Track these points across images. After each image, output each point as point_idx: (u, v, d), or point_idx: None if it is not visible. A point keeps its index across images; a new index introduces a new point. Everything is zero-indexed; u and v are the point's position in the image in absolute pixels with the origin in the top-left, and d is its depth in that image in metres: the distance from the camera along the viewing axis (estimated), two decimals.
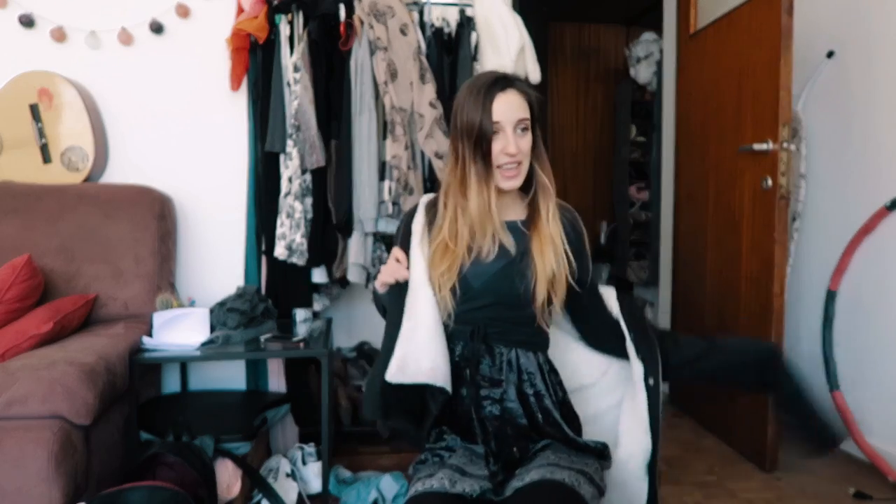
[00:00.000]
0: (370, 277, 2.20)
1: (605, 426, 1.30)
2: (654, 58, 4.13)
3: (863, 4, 2.23)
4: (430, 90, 2.11)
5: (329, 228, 2.11)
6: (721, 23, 2.45)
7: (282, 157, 2.09)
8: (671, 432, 2.52)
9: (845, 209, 2.27)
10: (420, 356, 1.14)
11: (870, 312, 2.18)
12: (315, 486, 1.92)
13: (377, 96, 2.08)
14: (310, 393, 2.25)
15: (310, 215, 2.07)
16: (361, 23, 2.06)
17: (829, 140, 2.38)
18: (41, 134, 2.14)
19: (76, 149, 2.16)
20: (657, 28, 3.64)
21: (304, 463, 1.96)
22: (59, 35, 2.21)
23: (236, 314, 1.85)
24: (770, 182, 2.11)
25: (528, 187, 1.25)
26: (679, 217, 2.87)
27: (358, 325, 2.46)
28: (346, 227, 2.10)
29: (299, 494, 1.82)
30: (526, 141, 1.19)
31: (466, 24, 2.22)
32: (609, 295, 1.33)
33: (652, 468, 1.21)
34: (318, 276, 2.14)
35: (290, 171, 2.03)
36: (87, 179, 2.18)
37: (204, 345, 1.77)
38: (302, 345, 1.80)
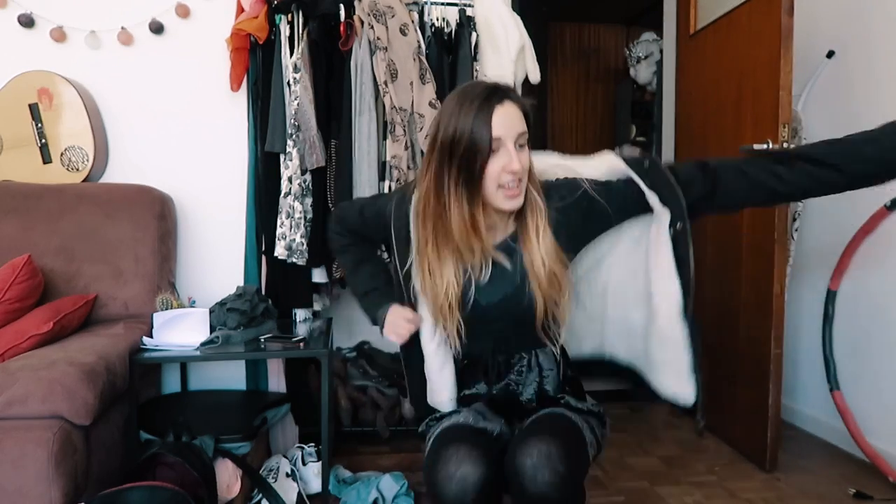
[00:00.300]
0: None
1: (632, 286, 1.25)
2: (654, 58, 4.13)
3: (863, 4, 2.23)
4: (430, 90, 2.11)
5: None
6: (721, 23, 2.45)
7: (282, 157, 2.08)
8: (671, 432, 2.52)
9: (845, 209, 2.27)
10: (438, 392, 1.27)
11: (870, 312, 2.18)
12: (315, 486, 1.92)
13: (377, 96, 2.08)
14: (310, 393, 2.25)
15: (310, 215, 2.07)
16: (361, 23, 2.06)
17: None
18: (41, 134, 2.14)
19: (76, 149, 2.16)
20: (657, 28, 3.64)
21: (304, 463, 1.96)
22: (59, 35, 2.21)
23: (236, 314, 1.85)
24: None
25: None
26: None
27: (358, 325, 2.46)
28: None
29: (299, 494, 1.82)
30: (525, 156, 1.11)
31: (466, 24, 2.22)
32: (607, 160, 1.21)
33: (687, 315, 1.16)
34: (318, 276, 2.14)
35: (290, 171, 2.03)
36: (87, 179, 2.18)
37: (204, 345, 1.77)
38: (302, 345, 1.80)
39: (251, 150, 2.23)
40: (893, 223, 2.06)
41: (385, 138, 2.08)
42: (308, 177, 2.07)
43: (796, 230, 2.46)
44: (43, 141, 2.14)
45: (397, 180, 2.03)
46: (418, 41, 2.14)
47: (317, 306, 2.21)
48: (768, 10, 2.11)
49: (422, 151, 2.12)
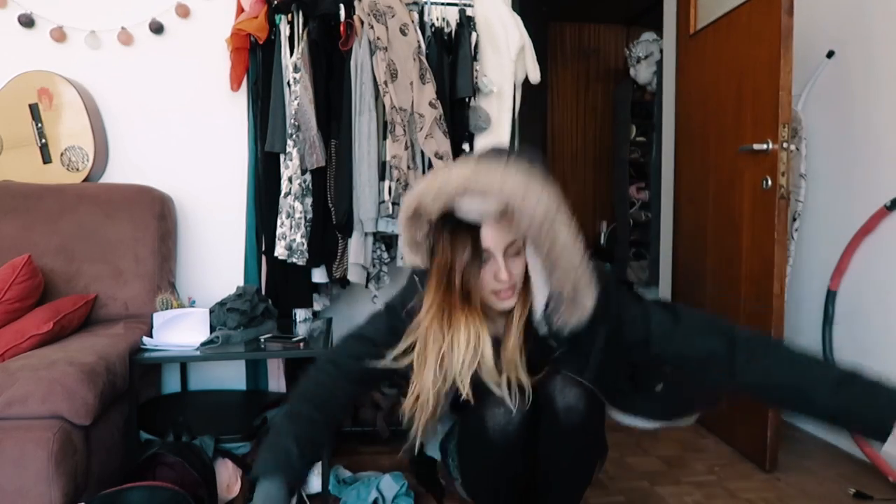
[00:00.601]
0: (370, 277, 2.20)
1: None
2: (654, 58, 4.13)
3: (863, 4, 2.23)
4: (430, 90, 2.11)
5: (329, 228, 2.11)
6: (721, 23, 2.45)
7: (282, 158, 2.08)
8: (671, 432, 2.52)
9: (845, 209, 2.27)
10: None
11: (870, 312, 2.18)
12: (315, 486, 1.91)
13: (377, 96, 2.08)
14: None
15: (310, 215, 2.07)
16: (361, 23, 2.06)
17: (829, 140, 2.38)
18: (41, 134, 2.14)
19: (76, 149, 2.16)
20: (657, 28, 3.64)
21: None
22: (59, 35, 2.21)
23: (236, 314, 1.85)
24: (770, 182, 2.10)
25: None
26: (679, 217, 2.86)
27: (358, 325, 2.45)
28: (347, 227, 2.10)
29: (299, 494, 1.82)
30: (519, 263, 1.13)
31: (466, 23, 2.22)
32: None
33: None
34: (318, 276, 2.14)
35: (290, 171, 2.03)
36: (87, 179, 2.18)
37: (204, 345, 1.77)
38: (302, 345, 1.80)
39: (251, 150, 2.23)
40: (893, 223, 2.06)
41: (385, 138, 2.08)
42: (308, 177, 2.07)
43: (796, 230, 2.46)
44: (43, 141, 2.14)
45: (397, 180, 2.03)
46: (418, 41, 2.14)
47: (317, 306, 2.21)
48: (768, 10, 2.10)
49: (422, 151, 2.12)
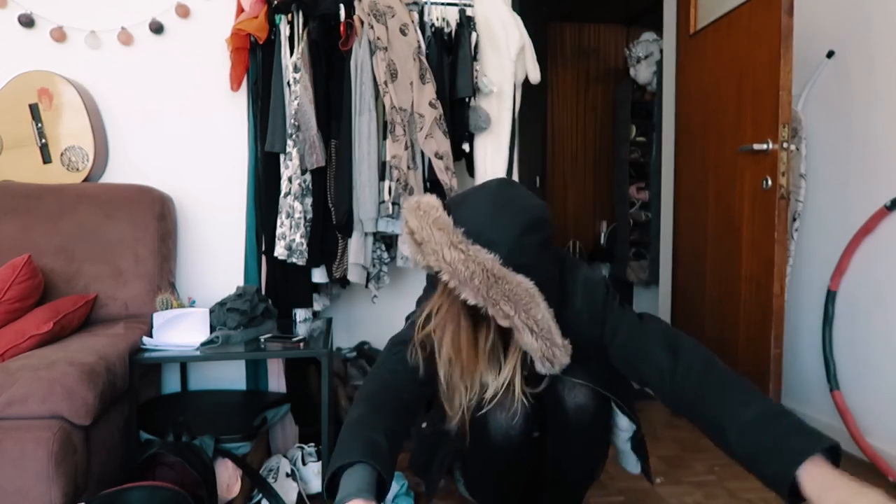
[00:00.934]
0: (370, 277, 2.20)
1: None
2: (654, 58, 4.13)
3: (863, 4, 2.23)
4: (430, 90, 2.11)
5: (329, 228, 2.11)
6: (721, 23, 2.45)
7: (282, 157, 2.08)
8: (671, 432, 2.52)
9: (845, 209, 2.27)
10: None
11: (870, 312, 2.18)
12: (315, 486, 1.91)
13: (377, 96, 2.08)
14: (310, 393, 2.25)
15: (310, 215, 2.07)
16: (361, 23, 2.06)
17: (829, 140, 2.38)
18: (41, 134, 2.14)
19: (76, 149, 2.16)
20: (657, 28, 3.63)
21: (304, 463, 1.96)
22: (59, 35, 2.21)
23: (236, 314, 1.85)
24: (770, 182, 2.11)
25: None
26: (679, 217, 2.87)
27: (358, 325, 2.46)
28: (347, 227, 2.10)
29: (299, 494, 1.82)
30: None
31: (466, 24, 2.22)
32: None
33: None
34: (318, 276, 2.14)
35: (290, 171, 2.03)
36: (87, 179, 2.18)
37: (204, 345, 1.77)
38: (302, 345, 1.80)
39: (251, 150, 2.23)
40: (893, 223, 2.06)
41: (385, 138, 2.08)
42: (308, 177, 2.07)
43: (796, 230, 2.46)
44: (43, 141, 2.14)
45: (397, 180, 2.03)
46: (418, 41, 2.14)
47: (317, 306, 2.21)
48: (768, 10, 2.11)
49: (422, 151, 2.12)
